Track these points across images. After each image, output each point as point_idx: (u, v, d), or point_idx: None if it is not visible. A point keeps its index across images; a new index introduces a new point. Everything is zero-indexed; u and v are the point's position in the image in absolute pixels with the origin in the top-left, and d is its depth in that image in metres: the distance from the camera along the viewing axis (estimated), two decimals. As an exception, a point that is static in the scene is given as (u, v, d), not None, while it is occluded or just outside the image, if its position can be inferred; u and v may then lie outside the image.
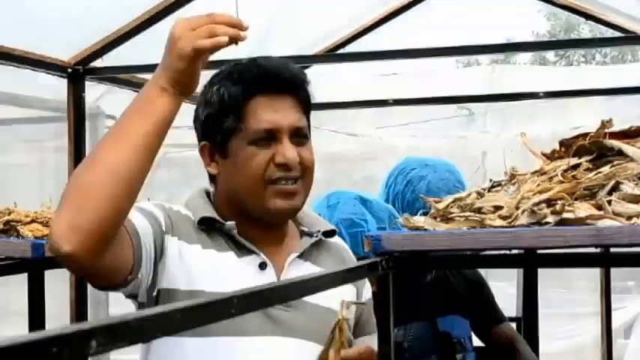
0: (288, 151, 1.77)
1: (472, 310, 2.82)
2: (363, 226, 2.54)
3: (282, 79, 1.82)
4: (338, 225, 2.41)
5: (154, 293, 1.77)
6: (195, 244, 1.79)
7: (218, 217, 1.82)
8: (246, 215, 1.83)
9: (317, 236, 1.90)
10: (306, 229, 1.92)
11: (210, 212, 1.83)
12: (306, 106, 1.86)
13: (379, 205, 2.64)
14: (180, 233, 1.79)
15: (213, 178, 1.90)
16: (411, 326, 2.61)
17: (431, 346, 2.64)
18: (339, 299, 1.76)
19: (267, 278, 1.77)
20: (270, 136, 1.78)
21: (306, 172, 1.81)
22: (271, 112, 1.78)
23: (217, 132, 1.82)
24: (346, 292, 1.86)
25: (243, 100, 1.79)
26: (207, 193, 1.92)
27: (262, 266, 1.81)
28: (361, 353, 1.72)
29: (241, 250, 1.82)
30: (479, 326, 2.87)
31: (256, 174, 1.77)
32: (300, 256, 1.86)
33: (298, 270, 1.81)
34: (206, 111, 1.85)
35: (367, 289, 1.96)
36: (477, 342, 2.92)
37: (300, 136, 1.81)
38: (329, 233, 1.93)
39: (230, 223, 1.81)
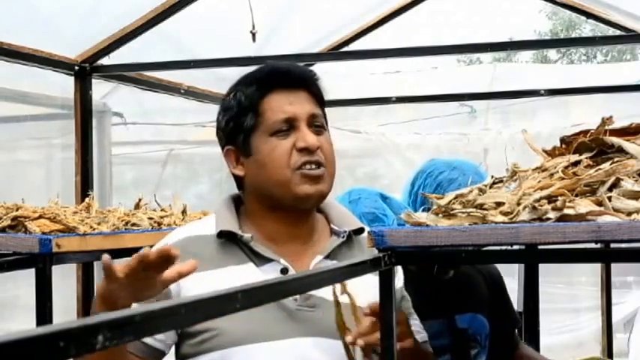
0: (307, 135, 1.83)
1: (492, 309, 2.81)
2: (384, 221, 2.57)
3: (293, 74, 1.90)
4: (360, 219, 2.44)
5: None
6: (209, 270, 1.82)
7: (236, 230, 1.86)
8: (278, 209, 1.88)
9: (343, 237, 1.92)
10: (335, 228, 1.95)
11: (230, 225, 1.87)
12: (320, 100, 1.92)
13: (398, 202, 2.67)
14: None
15: (240, 182, 1.94)
16: (428, 323, 2.60)
17: (447, 344, 2.64)
18: (365, 296, 1.78)
19: None
20: (289, 126, 1.84)
21: (327, 159, 1.86)
22: (287, 104, 1.85)
23: (239, 132, 1.88)
24: (372, 286, 1.88)
25: (260, 98, 1.87)
26: (235, 199, 1.96)
27: (284, 272, 1.84)
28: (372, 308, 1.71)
29: (261, 259, 1.85)
30: (498, 328, 2.85)
31: (281, 163, 1.82)
32: (327, 257, 1.89)
33: None
34: (226, 116, 1.92)
35: (399, 279, 1.98)
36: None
37: (317, 125, 1.87)
38: (358, 231, 1.95)
39: (247, 236, 1.85)
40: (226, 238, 1.87)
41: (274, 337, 1.80)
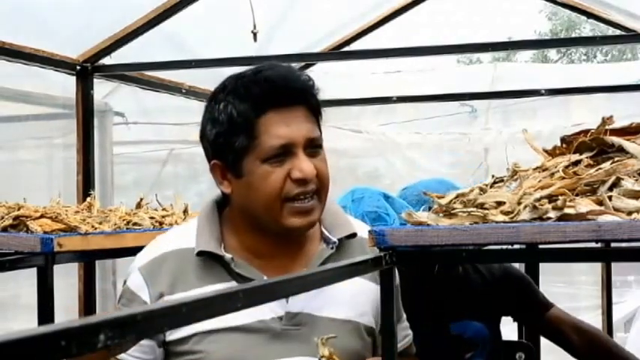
0: (304, 164, 1.72)
1: (498, 308, 2.82)
2: (387, 220, 2.58)
3: (292, 90, 1.75)
4: (363, 217, 2.45)
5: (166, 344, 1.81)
6: (191, 291, 1.77)
7: (216, 251, 1.78)
8: (264, 230, 1.80)
9: (332, 248, 1.85)
10: (325, 233, 1.87)
11: (209, 244, 1.79)
12: (318, 112, 1.80)
13: (400, 202, 2.69)
14: (174, 287, 1.78)
15: (226, 196, 1.84)
16: (422, 329, 2.59)
17: (441, 350, 2.65)
18: (358, 307, 1.78)
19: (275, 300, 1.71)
20: (284, 152, 1.72)
21: (322, 183, 1.76)
22: (284, 127, 1.72)
23: (229, 152, 1.75)
24: (366, 293, 1.85)
25: (254, 118, 1.72)
26: (220, 203, 1.89)
27: None
28: None
29: (244, 277, 1.77)
30: (521, 319, 2.88)
31: (273, 192, 1.72)
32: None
33: None
34: (215, 130, 1.77)
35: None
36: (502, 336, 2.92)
37: (314, 147, 1.76)
38: (349, 235, 1.86)
39: (228, 257, 1.78)
40: (207, 256, 1.79)
41: (260, 359, 1.75)
